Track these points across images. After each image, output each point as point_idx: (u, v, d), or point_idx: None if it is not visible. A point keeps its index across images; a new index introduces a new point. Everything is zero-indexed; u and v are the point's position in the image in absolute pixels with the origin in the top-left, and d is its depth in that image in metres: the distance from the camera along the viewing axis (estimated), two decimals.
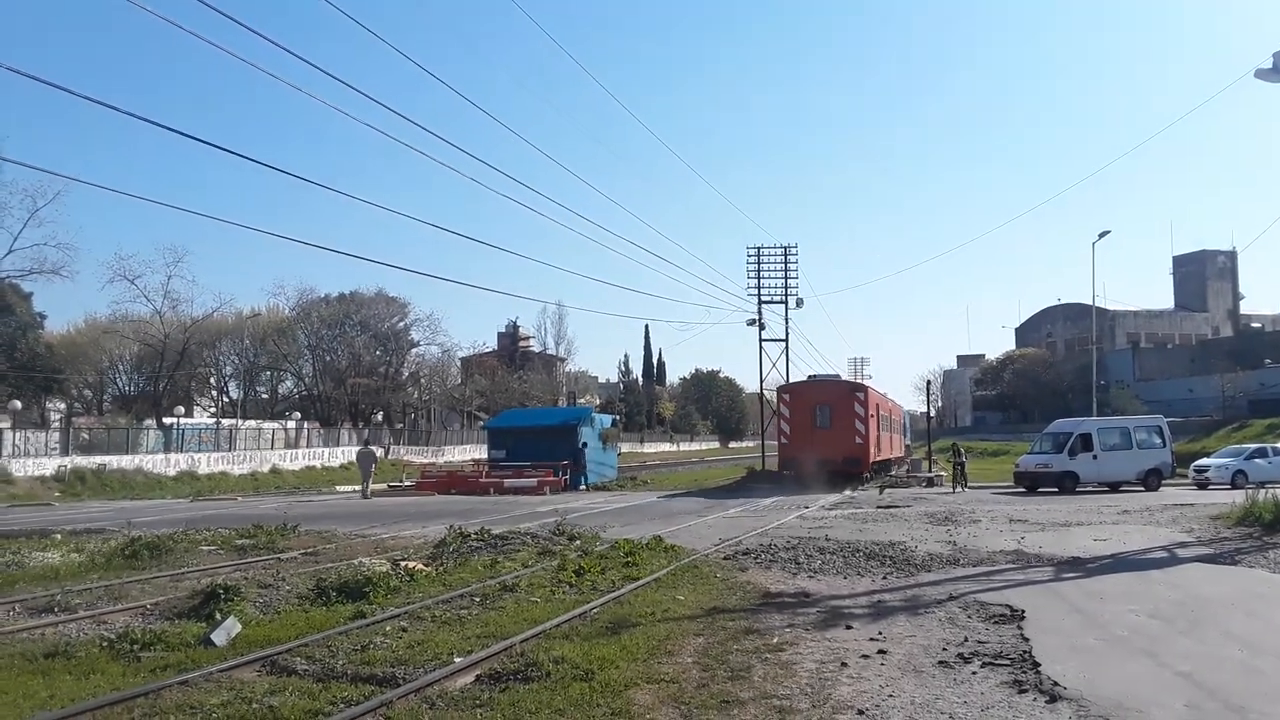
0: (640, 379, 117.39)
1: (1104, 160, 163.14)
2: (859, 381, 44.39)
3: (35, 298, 54.66)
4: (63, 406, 57.37)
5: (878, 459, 38.83)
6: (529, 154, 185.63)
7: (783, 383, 45.48)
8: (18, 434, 41.09)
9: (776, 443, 39.96)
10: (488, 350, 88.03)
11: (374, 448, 38.31)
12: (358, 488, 37.97)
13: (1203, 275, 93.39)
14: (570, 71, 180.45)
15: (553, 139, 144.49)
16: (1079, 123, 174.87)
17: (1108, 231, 47.57)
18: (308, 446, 56.84)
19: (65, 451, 41.43)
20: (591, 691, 6.87)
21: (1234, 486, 28.60)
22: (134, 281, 52.25)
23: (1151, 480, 30.08)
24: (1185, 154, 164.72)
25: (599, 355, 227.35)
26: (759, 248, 50.07)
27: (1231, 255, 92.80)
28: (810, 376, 41.76)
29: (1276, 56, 18.10)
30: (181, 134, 13.08)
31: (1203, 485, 31.34)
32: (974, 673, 7.36)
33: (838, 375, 46.74)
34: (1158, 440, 30.99)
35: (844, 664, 7.65)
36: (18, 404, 48.03)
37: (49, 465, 38.56)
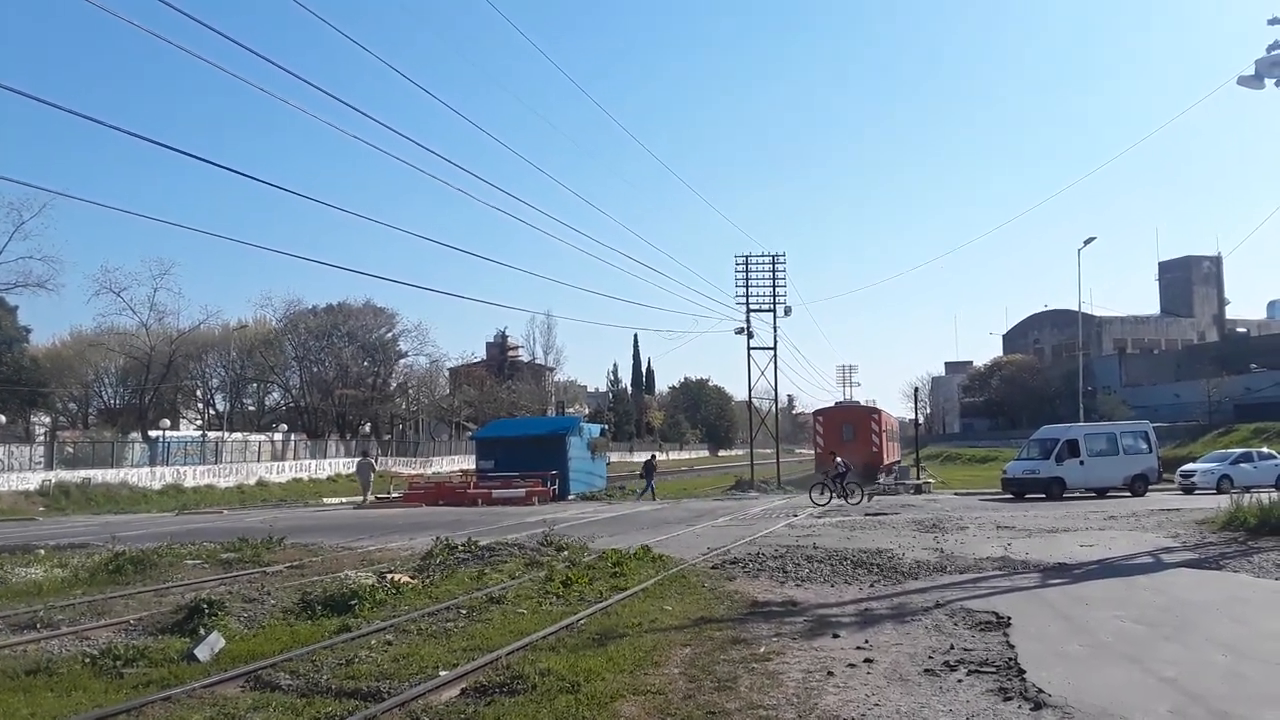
0: (629, 388, 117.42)
1: (1089, 167, 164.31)
2: (873, 406, 55.62)
3: (20, 311, 54.36)
4: (47, 420, 57.00)
5: (886, 463, 48.98)
6: (515, 163, 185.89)
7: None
8: (1, 448, 40.79)
9: (813, 451, 53.05)
10: (476, 360, 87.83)
11: (372, 459, 38.86)
12: (344, 500, 38.39)
13: (1188, 281, 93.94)
14: (555, 80, 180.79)
15: (539, 148, 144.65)
16: (1064, 129, 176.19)
17: (1093, 238, 48.06)
18: (295, 459, 56.60)
19: (50, 465, 41.14)
20: (578, 704, 6.85)
21: (1219, 491, 28.70)
22: (120, 294, 52.05)
23: (1138, 486, 30.17)
24: (1170, 160, 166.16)
25: (588, 365, 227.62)
26: (747, 256, 50.19)
27: (1217, 261, 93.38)
28: (837, 402, 58.89)
29: (1259, 63, 18.27)
30: (167, 147, 13.03)
31: (1188, 490, 31.47)
32: (959, 680, 7.37)
33: (857, 401, 65.98)
34: (1144, 446, 31.11)
35: (830, 673, 7.64)
36: (2, 418, 47.74)
37: (33, 479, 38.27)
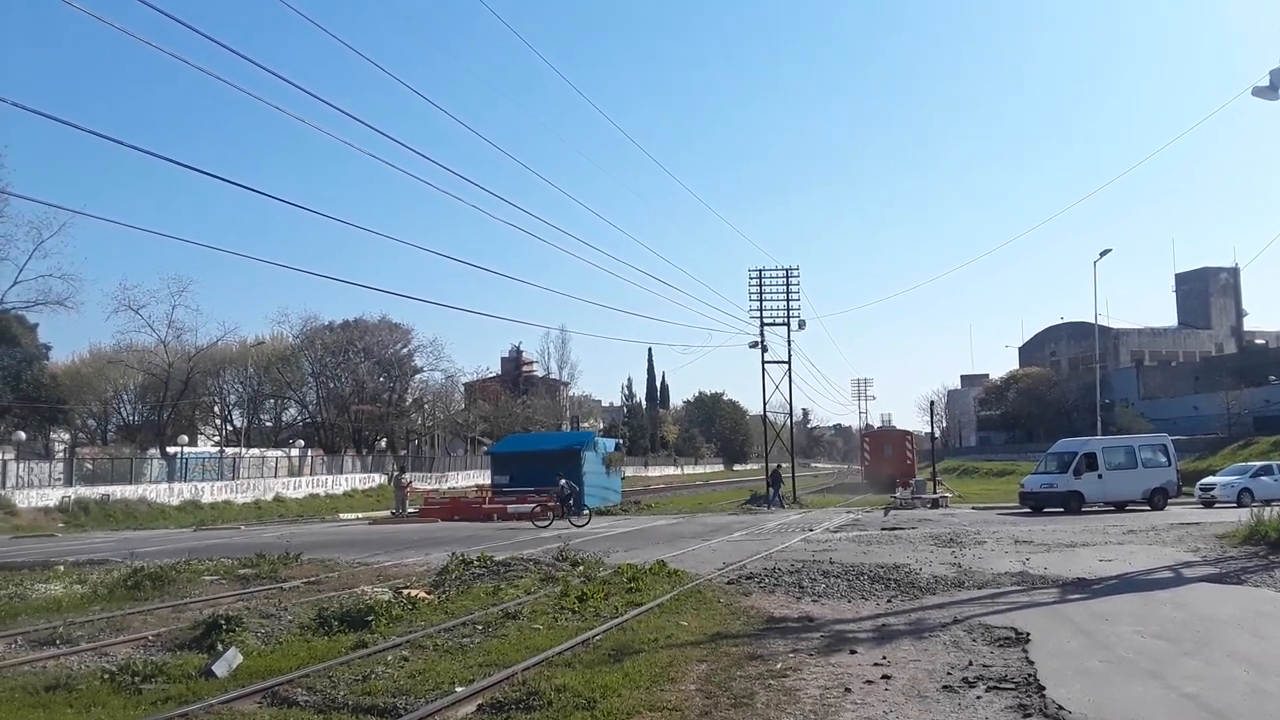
0: (644, 402, 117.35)
1: (1104, 178, 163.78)
2: (905, 430, 75.71)
3: (40, 329, 54.76)
4: (67, 437, 57.33)
5: (915, 474, 58.49)
6: (529, 178, 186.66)
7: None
8: (22, 465, 41.07)
9: (860, 464, 71.61)
10: (491, 375, 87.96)
11: (408, 475, 41.56)
12: (360, 515, 39.30)
13: (1206, 292, 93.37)
14: (568, 96, 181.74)
15: (552, 163, 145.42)
16: (1079, 140, 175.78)
17: (1109, 250, 47.69)
18: (311, 474, 56.76)
19: (69, 482, 41.39)
20: None
21: (1239, 505, 28.43)
22: (138, 311, 52.38)
23: (1157, 499, 29.89)
24: (1186, 171, 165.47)
25: (602, 379, 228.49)
26: (760, 270, 50.24)
27: (1234, 272, 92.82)
28: (877, 427, 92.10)
29: (1274, 74, 18.18)
30: (185, 165, 13.16)
31: (1208, 504, 31.18)
32: (978, 697, 7.31)
33: (894, 426, 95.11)
34: (1163, 459, 30.82)
35: (848, 689, 7.59)
36: (22, 435, 48.02)
37: (53, 496, 38.51)
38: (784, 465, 47.08)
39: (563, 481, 31.40)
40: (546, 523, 29.55)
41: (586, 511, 31.24)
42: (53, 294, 45.76)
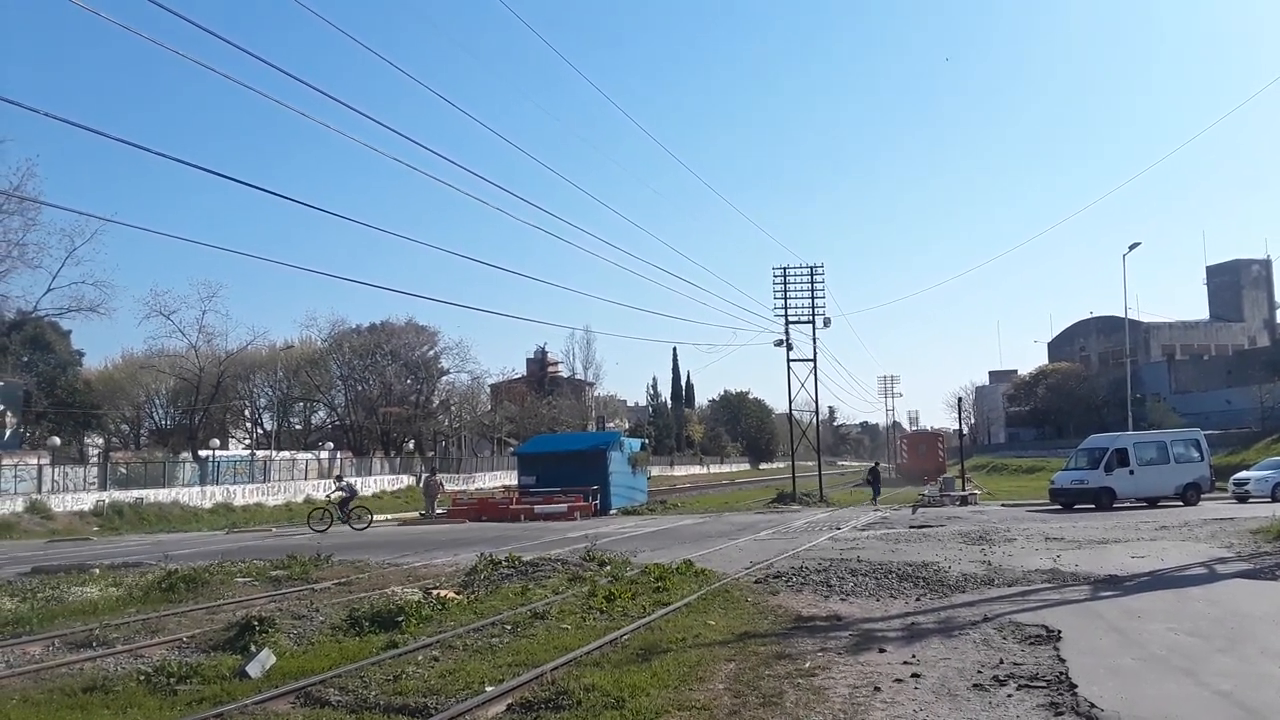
0: (669, 402, 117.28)
1: (1133, 171, 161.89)
2: (937, 431, 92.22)
3: (73, 335, 55.84)
4: (100, 441, 58.15)
5: (944, 471, 62.74)
6: (552, 180, 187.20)
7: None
8: (57, 469, 41.65)
9: (897, 462, 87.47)
10: (517, 376, 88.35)
11: (438, 476, 42.07)
12: (389, 516, 39.66)
13: (1237, 285, 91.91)
14: (591, 97, 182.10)
15: (576, 165, 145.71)
16: (1108, 134, 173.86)
17: (1138, 243, 46.86)
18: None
19: (103, 486, 41.95)
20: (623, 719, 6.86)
21: (1274, 500, 28.08)
22: (169, 317, 53.11)
23: (1190, 495, 29.53)
24: (1215, 163, 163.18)
25: (627, 379, 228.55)
26: (785, 268, 50.16)
27: (1266, 264, 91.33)
28: (913, 429, 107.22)
29: None
30: (213, 172, 13.33)
31: (1242, 499, 30.75)
32: (1009, 695, 7.27)
33: (928, 429, 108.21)
34: (1195, 454, 30.41)
35: (877, 688, 7.58)
36: (57, 440, 48.76)
37: (87, 500, 39.05)
38: (881, 464, 56.51)
39: (343, 484, 32.26)
40: (325, 528, 30.01)
41: (368, 517, 31.70)
42: (85, 300, 46.58)
